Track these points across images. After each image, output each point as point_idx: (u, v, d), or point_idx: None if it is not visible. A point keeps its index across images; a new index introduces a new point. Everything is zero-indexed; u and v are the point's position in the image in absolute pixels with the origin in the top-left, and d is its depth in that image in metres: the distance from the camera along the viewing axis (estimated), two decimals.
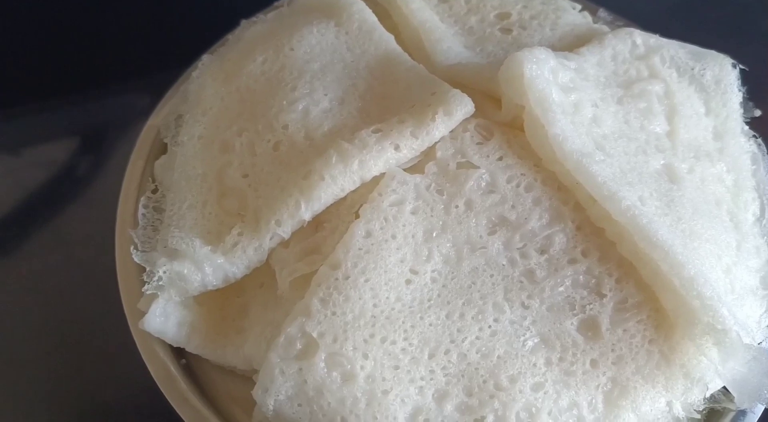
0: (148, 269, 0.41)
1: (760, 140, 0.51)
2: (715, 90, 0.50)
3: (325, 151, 0.42)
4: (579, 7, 0.56)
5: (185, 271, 0.41)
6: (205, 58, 0.52)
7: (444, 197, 0.41)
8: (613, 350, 0.39)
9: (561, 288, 0.40)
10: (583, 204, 0.41)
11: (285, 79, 0.47)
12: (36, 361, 0.59)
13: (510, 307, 0.40)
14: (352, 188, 0.42)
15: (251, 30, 0.53)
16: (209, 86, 0.49)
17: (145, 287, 0.41)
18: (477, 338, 0.39)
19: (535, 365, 0.39)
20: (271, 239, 0.41)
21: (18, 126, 0.76)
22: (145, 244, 0.43)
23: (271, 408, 0.38)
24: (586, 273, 0.40)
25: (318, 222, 0.42)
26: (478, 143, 0.43)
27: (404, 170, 0.42)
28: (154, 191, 0.47)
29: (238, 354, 0.43)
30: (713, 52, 0.51)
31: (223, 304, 0.44)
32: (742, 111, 0.51)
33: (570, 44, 0.51)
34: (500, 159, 0.42)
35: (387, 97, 0.46)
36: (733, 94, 0.50)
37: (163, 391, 0.42)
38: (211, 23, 0.56)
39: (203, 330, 0.43)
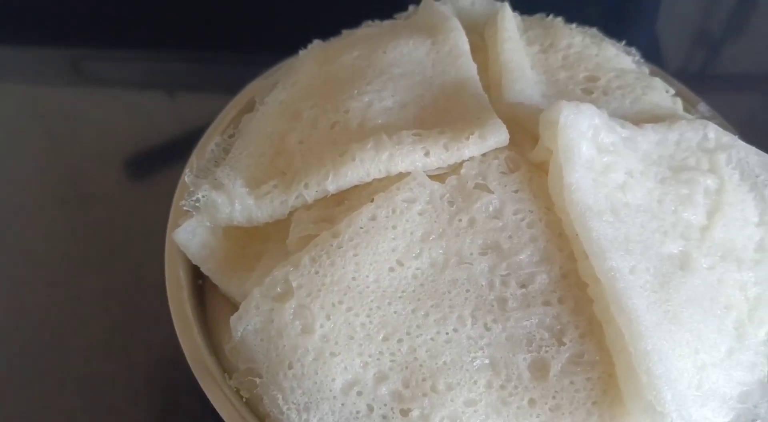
0: (191, 190, 0.48)
1: None
2: None
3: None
4: (672, 91, 0.57)
5: (219, 201, 0.47)
6: (316, 42, 0.59)
7: (452, 208, 0.45)
8: (554, 397, 0.40)
9: (526, 323, 0.42)
10: (576, 256, 0.43)
11: (367, 74, 0.52)
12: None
13: (472, 324, 0.42)
14: (378, 176, 0.46)
15: (364, 30, 0.59)
16: (308, 64, 0.56)
17: (182, 202, 0.47)
18: (431, 339, 0.42)
19: (475, 382, 0.41)
20: (296, 198, 0.47)
21: (172, 70, 0.88)
22: (201, 172, 0.50)
23: (239, 334, 0.43)
24: (555, 318, 0.42)
25: (342, 198, 0.47)
26: (502, 172, 0.46)
27: (428, 175, 0.46)
28: (231, 136, 0.54)
29: (241, 288, 0.48)
30: None
31: (246, 244, 0.50)
32: None
33: (645, 120, 0.52)
34: (516, 192, 0.45)
35: (446, 112, 0.50)
36: None
37: (168, 292, 0.48)
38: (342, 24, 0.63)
39: (220, 258, 0.49)
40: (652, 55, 0.90)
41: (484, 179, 0.45)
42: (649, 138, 0.49)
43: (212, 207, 0.47)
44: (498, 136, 0.45)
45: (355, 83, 0.52)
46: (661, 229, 0.45)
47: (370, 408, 0.41)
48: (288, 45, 0.60)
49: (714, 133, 0.51)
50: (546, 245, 0.43)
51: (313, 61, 0.56)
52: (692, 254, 0.45)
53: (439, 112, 0.50)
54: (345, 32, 0.60)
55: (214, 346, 0.48)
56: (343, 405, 0.41)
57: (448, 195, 0.45)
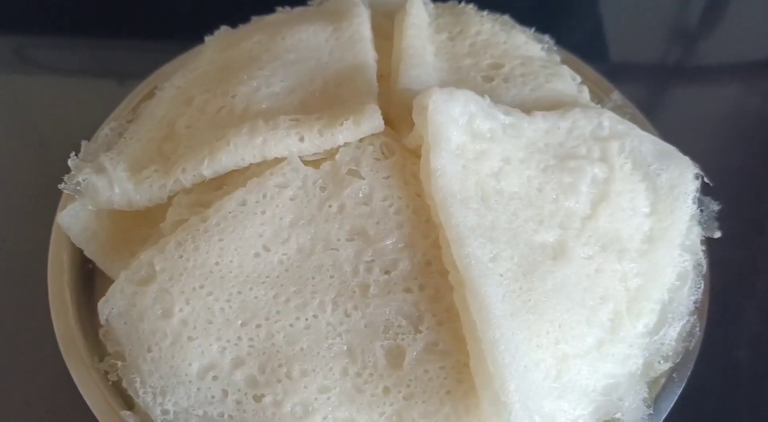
0: (72, 173, 0.48)
1: (704, 263, 0.48)
2: (667, 194, 0.48)
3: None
4: (579, 79, 0.55)
5: (99, 184, 0.47)
6: (223, 28, 0.58)
7: (324, 194, 0.44)
8: (408, 385, 0.40)
9: (386, 310, 0.41)
10: (441, 243, 0.42)
11: (261, 59, 0.52)
12: None
13: (333, 310, 0.41)
14: (253, 161, 0.45)
15: (273, 16, 0.59)
16: (210, 50, 0.56)
17: (62, 185, 0.47)
18: (290, 325, 0.41)
19: (331, 369, 0.40)
20: (174, 183, 0.46)
21: (120, 57, 0.87)
22: (89, 156, 0.50)
23: (105, 317, 0.43)
24: (413, 306, 0.41)
25: (221, 182, 0.47)
26: (375, 158, 0.45)
27: (306, 160, 0.46)
28: (129, 121, 0.54)
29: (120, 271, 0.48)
30: (682, 157, 0.49)
31: (130, 228, 0.50)
32: (690, 224, 0.48)
33: (544, 108, 0.50)
34: (387, 178, 0.44)
35: (334, 98, 0.49)
36: (685, 204, 0.47)
37: (48, 276, 0.48)
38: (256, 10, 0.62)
39: (103, 241, 0.49)
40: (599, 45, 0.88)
41: (357, 165, 0.45)
42: (536, 125, 0.48)
43: (93, 190, 0.47)
44: (372, 122, 0.45)
45: (248, 68, 0.51)
46: (537, 218, 0.44)
47: (225, 393, 0.41)
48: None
49: (609, 121, 0.49)
50: (411, 231, 0.43)
51: (215, 46, 0.56)
52: (568, 243, 0.44)
53: (328, 98, 0.49)
54: (254, 19, 0.60)
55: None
56: (198, 389, 0.41)
57: (320, 180, 0.45)
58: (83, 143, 0.51)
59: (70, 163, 0.49)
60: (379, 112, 0.45)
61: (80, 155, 0.50)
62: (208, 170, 0.46)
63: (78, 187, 0.48)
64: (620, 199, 0.47)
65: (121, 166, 0.48)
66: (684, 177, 0.48)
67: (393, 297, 0.41)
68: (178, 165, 0.46)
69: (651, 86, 0.85)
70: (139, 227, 0.50)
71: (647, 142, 0.49)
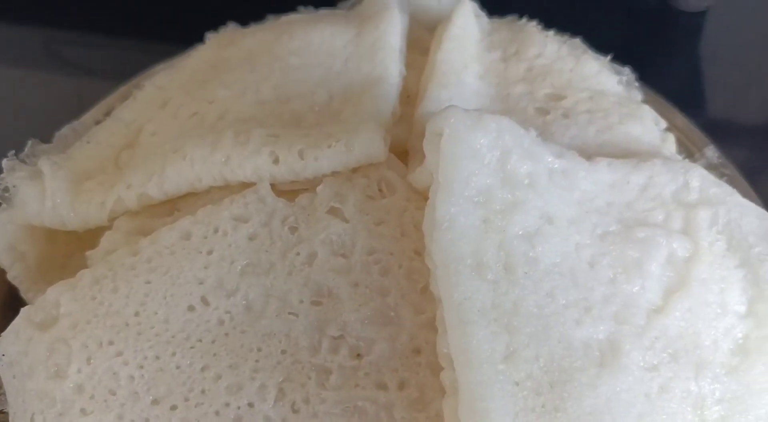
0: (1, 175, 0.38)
1: None
2: None
3: None
4: (664, 125, 0.43)
5: (29, 194, 0.37)
6: (231, 25, 0.49)
7: (292, 237, 0.33)
8: None
9: (347, 409, 0.29)
10: (438, 324, 0.30)
11: (258, 61, 0.42)
12: None
13: (276, 400, 0.30)
14: (213, 183, 0.35)
15: (290, 16, 0.49)
16: (206, 48, 0.46)
17: None
18: (216, 412, 0.30)
19: None
20: (115, 202, 0.36)
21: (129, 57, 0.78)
22: (32, 158, 0.41)
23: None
24: (386, 410, 0.29)
25: (174, 207, 0.37)
26: (368, 196, 0.34)
27: (281, 190, 0.35)
28: (97, 122, 0.45)
29: None
30: None
31: (70, 255, 0.40)
32: None
33: (612, 155, 0.38)
34: (378, 224, 0.33)
35: (334, 115, 0.38)
36: None
37: None
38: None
39: (31, 265, 0.40)
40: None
41: (341, 202, 0.33)
42: (598, 176, 0.35)
43: (22, 200, 0.38)
44: (368, 147, 0.33)
45: (238, 69, 0.41)
46: (582, 304, 0.31)
47: None
48: None
49: (700, 181, 0.36)
50: (399, 302, 0.31)
51: (214, 44, 0.47)
52: (624, 345, 0.31)
53: (330, 114, 0.39)
54: (269, 17, 0.50)
55: None
56: None
57: (292, 218, 0.34)
58: (30, 142, 0.42)
59: (3, 163, 0.40)
60: (381, 135, 0.34)
61: (22, 155, 0.40)
62: (155, 189, 0.36)
63: (6, 193, 0.38)
64: (705, 290, 0.33)
65: (63, 174, 0.38)
66: None
67: (359, 393, 0.29)
68: (124, 180, 0.37)
69: (756, 151, 0.70)
70: (82, 252, 0.40)
71: (750, 215, 0.36)
